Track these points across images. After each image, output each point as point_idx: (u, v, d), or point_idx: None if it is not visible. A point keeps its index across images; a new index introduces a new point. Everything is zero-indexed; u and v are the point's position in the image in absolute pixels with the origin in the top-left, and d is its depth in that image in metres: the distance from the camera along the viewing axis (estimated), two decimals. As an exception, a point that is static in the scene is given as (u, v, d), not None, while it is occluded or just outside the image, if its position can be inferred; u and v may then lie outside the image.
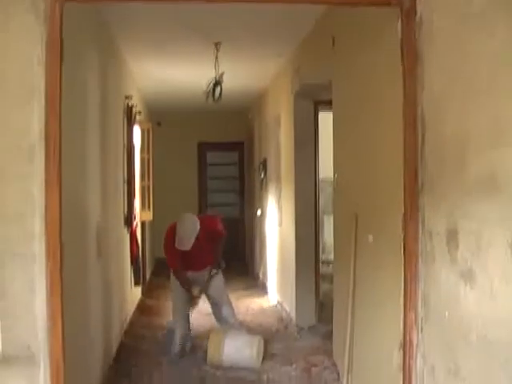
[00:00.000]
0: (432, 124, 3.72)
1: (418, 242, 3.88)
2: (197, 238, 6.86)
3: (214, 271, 7.41)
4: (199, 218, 7.09)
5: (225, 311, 7.60)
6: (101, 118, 6.23)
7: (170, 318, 7.65)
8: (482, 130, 3.08)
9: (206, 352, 6.93)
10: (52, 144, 3.70)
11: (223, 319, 7.58)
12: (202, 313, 8.69)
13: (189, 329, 7.51)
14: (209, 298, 7.61)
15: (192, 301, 7.39)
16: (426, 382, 3.81)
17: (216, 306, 7.61)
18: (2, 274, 3.73)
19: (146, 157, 10.64)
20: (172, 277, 7.42)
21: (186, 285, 7.30)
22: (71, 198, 4.40)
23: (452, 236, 3.36)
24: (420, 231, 3.86)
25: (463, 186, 3.26)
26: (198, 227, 6.87)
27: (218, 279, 7.54)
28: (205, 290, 7.44)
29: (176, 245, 6.85)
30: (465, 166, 3.23)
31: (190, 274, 7.34)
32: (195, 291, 7.35)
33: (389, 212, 4.46)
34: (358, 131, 5.53)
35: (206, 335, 7.33)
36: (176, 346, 7.15)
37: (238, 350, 6.82)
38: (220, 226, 7.41)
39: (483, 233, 3.01)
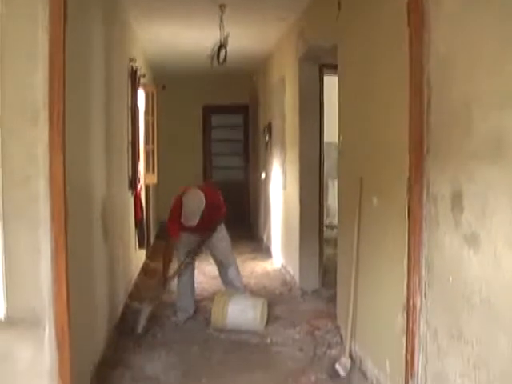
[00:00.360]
0: (438, 88, 3.70)
1: (423, 205, 3.88)
2: (202, 212, 6.86)
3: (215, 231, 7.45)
4: (206, 193, 7.06)
5: (231, 274, 7.62)
6: (105, 81, 6.20)
7: (174, 281, 7.62)
8: (488, 95, 3.07)
9: (210, 315, 6.96)
10: (56, 107, 3.69)
11: (229, 282, 7.61)
12: (207, 276, 8.73)
13: (193, 298, 7.53)
14: (215, 259, 7.63)
15: (164, 277, 7.34)
16: (429, 346, 3.83)
17: (222, 268, 7.63)
18: (6, 237, 3.75)
19: (150, 120, 10.60)
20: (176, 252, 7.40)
21: (167, 261, 7.29)
22: (75, 160, 4.40)
23: (457, 200, 3.36)
24: (424, 195, 3.86)
25: (469, 150, 3.25)
26: (204, 203, 6.87)
27: (225, 241, 7.56)
28: (209, 244, 7.47)
29: (182, 221, 6.86)
30: (470, 131, 3.22)
31: (187, 234, 7.33)
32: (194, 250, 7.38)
33: (393, 176, 4.46)
34: (363, 95, 5.50)
35: (210, 298, 7.36)
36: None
37: (241, 312, 6.85)
38: (223, 205, 7.47)
39: (488, 197, 3.01)
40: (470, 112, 3.23)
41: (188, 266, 7.40)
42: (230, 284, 7.60)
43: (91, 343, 5.21)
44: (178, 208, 6.93)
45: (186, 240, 7.30)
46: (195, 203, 6.88)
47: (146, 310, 6.96)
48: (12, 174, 3.74)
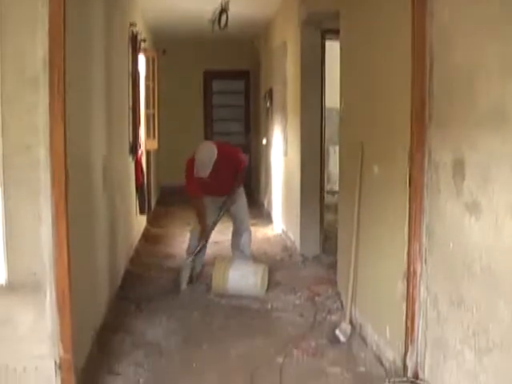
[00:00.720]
0: (441, 55, 3.68)
1: (424, 173, 3.88)
2: (216, 166, 6.86)
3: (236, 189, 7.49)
4: (219, 146, 7.09)
5: (244, 239, 7.68)
6: (105, 46, 6.16)
7: (176, 247, 7.66)
8: (492, 62, 3.04)
9: (210, 280, 6.98)
10: (56, 73, 3.66)
11: (239, 248, 7.67)
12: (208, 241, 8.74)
13: (201, 263, 7.57)
14: (232, 216, 7.69)
15: (203, 232, 7.41)
16: (429, 312, 3.85)
17: (237, 233, 7.70)
18: (7, 204, 3.75)
19: (151, 85, 10.56)
20: (192, 221, 7.48)
21: (202, 215, 7.35)
22: (76, 127, 4.38)
23: (458, 168, 3.36)
24: (426, 163, 3.86)
25: (471, 117, 3.24)
26: (216, 154, 6.87)
27: (243, 199, 7.63)
28: (227, 208, 7.51)
29: (195, 173, 6.88)
30: (473, 98, 3.20)
31: (210, 198, 7.39)
32: (209, 221, 7.40)
33: (395, 143, 4.44)
34: (365, 60, 5.47)
35: (211, 263, 7.38)
36: (183, 284, 7.17)
37: (242, 278, 6.86)
38: (241, 155, 7.44)
39: (490, 165, 3.00)
40: (473, 79, 3.21)
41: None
42: (239, 249, 7.65)
43: (92, 308, 5.23)
44: (191, 165, 6.97)
45: (209, 205, 7.40)
46: (206, 153, 6.92)
47: (186, 268, 7.22)
48: (12, 140, 3.72)
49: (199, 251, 7.42)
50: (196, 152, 6.97)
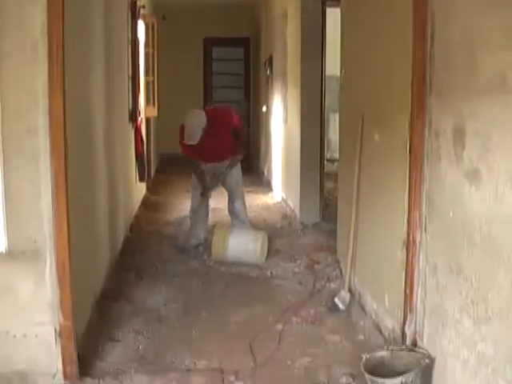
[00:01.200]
0: (442, 23, 3.65)
1: (424, 141, 3.87)
2: (210, 131, 6.86)
3: (236, 158, 7.50)
4: (208, 110, 7.12)
5: (237, 205, 7.69)
6: (104, 12, 6.11)
7: (176, 214, 7.67)
8: (493, 31, 3.02)
9: (210, 247, 7.00)
10: (55, 40, 3.65)
11: (235, 213, 7.70)
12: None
13: (205, 226, 7.61)
14: (225, 187, 7.73)
15: (203, 194, 7.47)
16: (428, 281, 3.86)
17: (230, 198, 7.72)
18: (6, 171, 3.75)
19: (150, 52, 10.50)
20: (192, 176, 7.53)
21: (201, 178, 7.43)
22: (75, 94, 4.36)
23: (459, 136, 3.34)
24: (426, 131, 3.84)
25: (472, 86, 3.22)
26: (204, 121, 6.86)
27: (236, 170, 7.62)
28: (223, 179, 7.55)
29: (185, 140, 6.88)
30: (474, 66, 3.18)
31: (210, 165, 7.45)
32: (209, 184, 7.48)
33: (396, 111, 4.43)
34: (366, 28, 5.44)
35: (211, 231, 7.39)
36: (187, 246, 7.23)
37: (242, 245, 6.88)
38: (232, 112, 7.42)
39: (491, 134, 2.99)
40: (474, 47, 3.18)
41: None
42: (235, 215, 7.71)
43: (92, 275, 5.24)
44: (182, 130, 7.04)
45: (209, 172, 7.50)
46: (194, 121, 6.94)
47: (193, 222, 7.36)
48: (11, 108, 3.72)
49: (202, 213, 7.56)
50: (185, 120, 7.00)
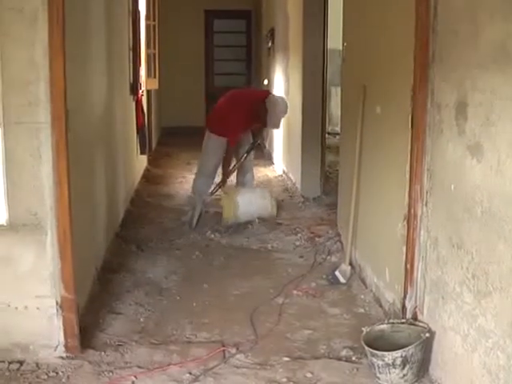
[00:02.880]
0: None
1: (426, 114, 3.85)
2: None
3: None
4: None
5: (248, 176, 7.86)
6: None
7: (176, 187, 7.67)
8: (496, 1, 2.99)
9: (215, 216, 7.07)
10: (55, 8, 3.61)
11: (244, 183, 7.82)
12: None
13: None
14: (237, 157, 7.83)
15: (225, 179, 7.59)
16: (429, 255, 3.86)
17: (242, 171, 7.82)
18: (8, 143, 3.75)
19: (151, 24, 10.44)
20: (209, 141, 7.46)
21: (229, 163, 7.56)
22: (75, 65, 4.34)
23: (461, 108, 3.33)
24: (428, 103, 3.82)
25: (475, 57, 3.20)
26: None
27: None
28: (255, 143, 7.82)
29: (269, 127, 7.43)
30: (477, 38, 3.16)
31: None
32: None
33: (398, 83, 4.40)
34: (368, 0, 5.40)
35: (213, 203, 7.44)
36: (194, 220, 7.23)
37: (252, 201, 7.00)
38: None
39: (494, 106, 2.97)
40: (476, 19, 3.16)
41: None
42: (244, 185, 7.81)
43: (93, 248, 5.25)
44: (246, 112, 7.14)
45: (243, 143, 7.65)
46: (284, 107, 7.29)
47: (198, 207, 7.26)
48: (11, 78, 3.70)
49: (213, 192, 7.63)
50: (272, 104, 7.11)
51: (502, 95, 2.90)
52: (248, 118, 7.12)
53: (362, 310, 4.89)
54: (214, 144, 7.36)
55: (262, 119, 7.10)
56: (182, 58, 14.89)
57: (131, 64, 8.37)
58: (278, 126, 7.38)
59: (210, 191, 7.56)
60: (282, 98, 7.49)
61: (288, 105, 7.35)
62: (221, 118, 7.24)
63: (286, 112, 7.27)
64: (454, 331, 3.46)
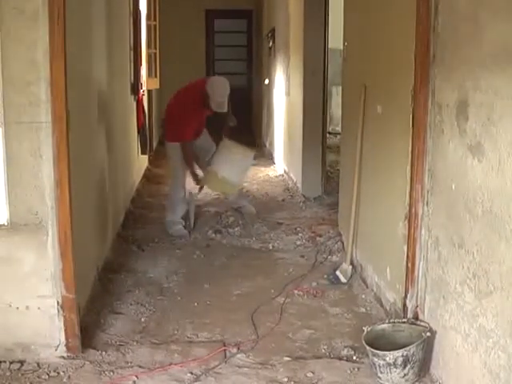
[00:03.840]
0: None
1: (427, 113, 3.85)
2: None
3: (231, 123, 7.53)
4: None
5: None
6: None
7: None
8: (497, 1, 2.99)
9: (217, 213, 7.14)
10: (56, 8, 3.61)
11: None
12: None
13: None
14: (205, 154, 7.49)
15: (194, 176, 7.28)
16: (430, 254, 3.86)
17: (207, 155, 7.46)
18: (9, 142, 3.75)
19: (152, 24, 10.44)
20: (168, 150, 7.22)
21: (191, 160, 7.15)
22: (76, 65, 4.33)
23: (462, 108, 3.33)
24: (430, 103, 3.82)
25: (476, 57, 3.20)
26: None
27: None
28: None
29: (213, 108, 6.89)
30: (478, 38, 3.16)
31: (201, 137, 7.35)
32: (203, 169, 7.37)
33: (399, 83, 4.40)
34: (369, 0, 5.41)
35: (213, 202, 7.43)
36: (191, 221, 7.17)
37: (228, 161, 7.05)
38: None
39: (494, 106, 2.97)
40: (478, 19, 3.16)
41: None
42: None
43: (94, 248, 5.24)
44: (195, 102, 6.94)
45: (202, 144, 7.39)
46: (225, 87, 6.98)
47: (191, 207, 7.22)
48: (12, 77, 3.70)
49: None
50: (210, 88, 6.84)
51: (503, 95, 2.90)
52: (196, 110, 6.93)
53: (363, 310, 4.89)
54: (172, 151, 7.09)
55: (208, 105, 6.84)
56: (183, 58, 14.88)
57: (132, 64, 8.37)
58: (223, 108, 6.92)
59: (197, 192, 7.46)
60: (220, 79, 7.17)
61: (228, 83, 6.97)
62: (170, 122, 7.07)
63: (226, 91, 6.90)
64: (454, 331, 3.46)
